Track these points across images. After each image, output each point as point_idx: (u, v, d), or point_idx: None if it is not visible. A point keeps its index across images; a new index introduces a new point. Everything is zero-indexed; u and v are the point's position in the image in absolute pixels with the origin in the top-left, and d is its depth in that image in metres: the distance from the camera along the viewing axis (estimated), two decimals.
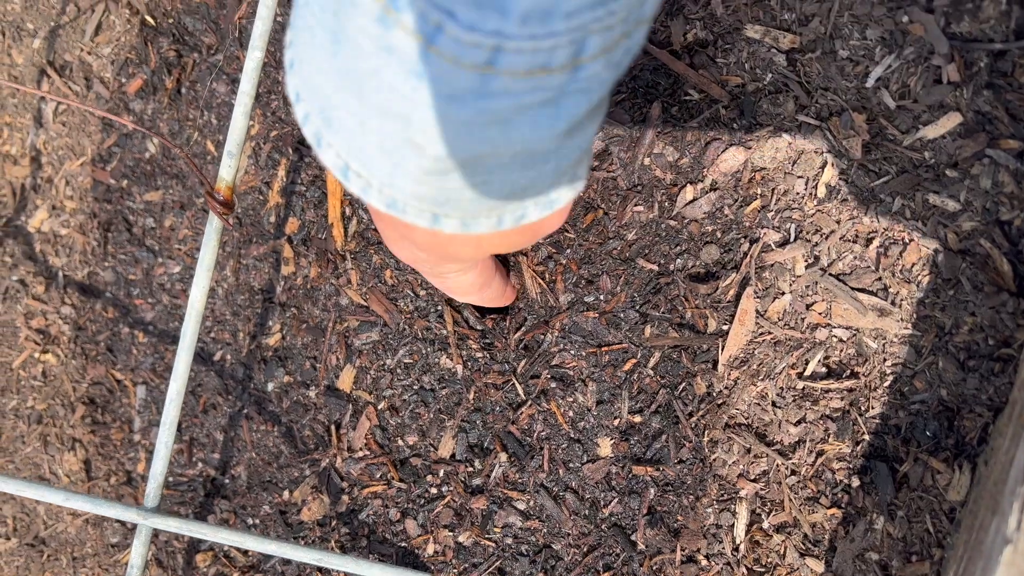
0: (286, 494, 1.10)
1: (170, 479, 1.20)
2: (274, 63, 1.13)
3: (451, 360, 1.01)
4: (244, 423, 1.14)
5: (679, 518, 0.89)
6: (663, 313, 0.89)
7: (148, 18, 1.22)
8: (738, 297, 0.85)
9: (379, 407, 1.04)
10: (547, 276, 0.94)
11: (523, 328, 0.97)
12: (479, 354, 1.00)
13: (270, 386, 1.13)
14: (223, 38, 1.18)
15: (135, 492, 1.23)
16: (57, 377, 1.27)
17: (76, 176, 1.28)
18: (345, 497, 1.04)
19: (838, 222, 0.82)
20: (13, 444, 1.28)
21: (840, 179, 0.82)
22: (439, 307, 1.03)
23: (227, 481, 1.16)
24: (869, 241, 0.82)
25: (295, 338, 1.12)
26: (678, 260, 0.88)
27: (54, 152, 1.29)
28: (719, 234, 0.86)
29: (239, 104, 0.87)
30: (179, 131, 1.21)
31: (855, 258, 0.82)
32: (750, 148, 0.84)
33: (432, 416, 1.01)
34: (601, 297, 0.90)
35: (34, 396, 1.27)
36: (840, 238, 0.82)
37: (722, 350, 0.86)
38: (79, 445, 1.26)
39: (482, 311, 1.06)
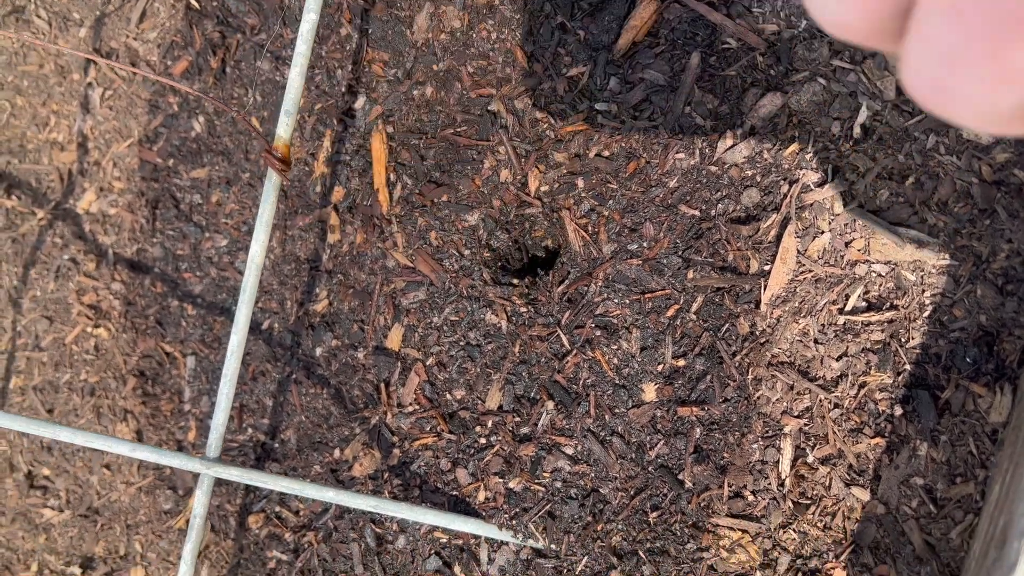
0: (336, 453, 1.13)
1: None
2: (317, 39, 1.18)
3: (496, 316, 1.04)
4: (293, 388, 1.18)
5: (725, 455, 0.92)
6: (705, 257, 0.92)
7: (193, 2, 1.27)
8: (779, 237, 0.88)
9: (427, 363, 1.07)
10: (590, 228, 0.98)
11: (567, 281, 1.00)
12: (523, 309, 1.03)
13: (318, 351, 1.17)
14: (266, 18, 1.22)
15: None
16: (109, 351, 1.31)
17: (123, 157, 1.32)
18: (396, 451, 1.07)
19: (874, 160, 0.85)
20: (67, 417, 1.31)
21: (875, 120, 0.85)
22: (481, 266, 1.06)
23: (277, 445, 1.19)
24: (904, 177, 0.85)
25: (342, 303, 1.15)
26: (719, 205, 0.91)
27: (101, 136, 1.34)
28: (759, 177, 0.89)
29: (295, 65, 0.91)
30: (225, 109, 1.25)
31: (891, 194, 0.85)
32: (787, 93, 0.87)
33: (479, 370, 1.04)
34: (644, 244, 0.94)
35: (87, 369, 1.31)
36: (876, 176, 0.85)
37: (764, 289, 0.89)
38: (131, 416, 1.29)
39: (524, 269, 1.10)
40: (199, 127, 1.27)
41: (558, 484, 0.98)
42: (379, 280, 1.11)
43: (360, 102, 1.14)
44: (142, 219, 1.30)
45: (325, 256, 1.18)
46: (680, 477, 0.93)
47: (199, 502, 0.96)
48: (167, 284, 1.28)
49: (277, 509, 1.18)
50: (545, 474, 0.99)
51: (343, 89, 1.15)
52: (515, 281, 1.05)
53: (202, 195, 1.26)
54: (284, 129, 0.90)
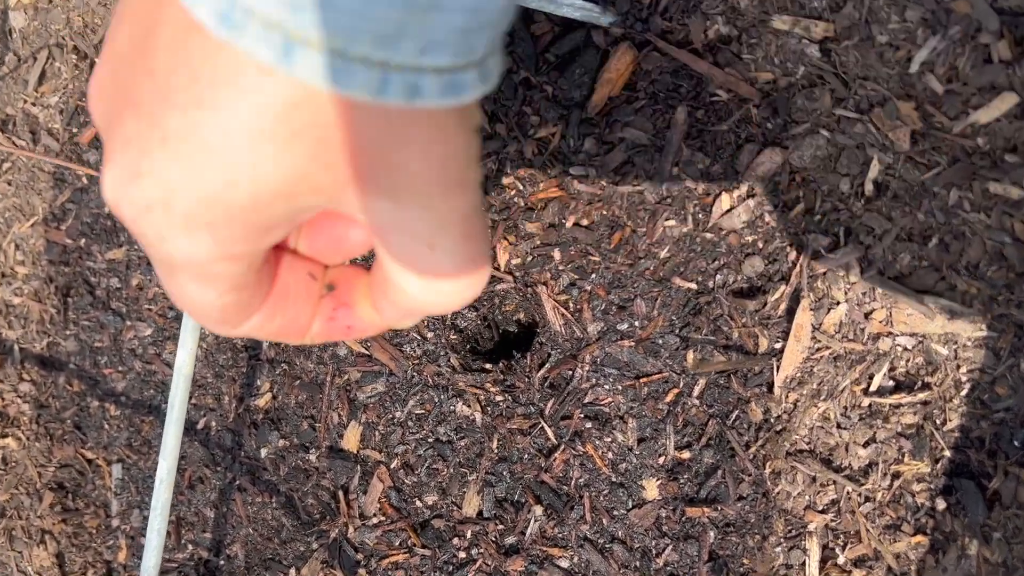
0: (292, 572, 0.98)
1: None
2: None
3: (468, 407, 0.91)
4: (237, 496, 1.03)
5: (745, 561, 0.80)
6: (706, 335, 0.81)
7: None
8: (790, 311, 0.78)
9: (391, 466, 0.94)
10: (572, 305, 0.86)
11: (547, 365, 0.88)
12: (499, 398, 0.90)
13: (263, 452, 1.02)
14: None
15: None
16: (20, 463, 1.14)
17: (27, 239, 1.16)
18: (362, 571, 0.93)
19: (891, 220, 0.75)
20: None
21: (887, 174, 0.75)
22: (447, 350, 0.93)
23: (223, 563, 1.04)
24: (927, 238, 0.75)
25: (288, 397, 1.01)
26: (718, 276, 0.79)
27: (0, 216, 1.17)
28: (761, 244, 0.78)
29: None
30: None
31: (913, 258, 0.75)
32: (787, 148, 0.77)
33: (452, 471, 0.91)
34: (636, 324, 0.82)
35: None
36: (895, 238, 0.75)
37: (777, 371, 0.78)
38: (49, 537, 1.12)
39: (486, 351, 0.97)
40: None
41: None
42: (330, 370, 0.98)
43: None
44: (52, 309, 1.13)
45: (266, 343, 1.04)
46: None
47: None
48: (85, 382, 1.12)
49: None
50: None
51: None
52: (488, 366, 0.93)
53: (120, 279, 1.11)
54: None
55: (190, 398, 1.07)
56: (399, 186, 0.27)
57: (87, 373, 1.12)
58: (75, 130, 1.13)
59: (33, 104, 1.16)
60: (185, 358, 0.78)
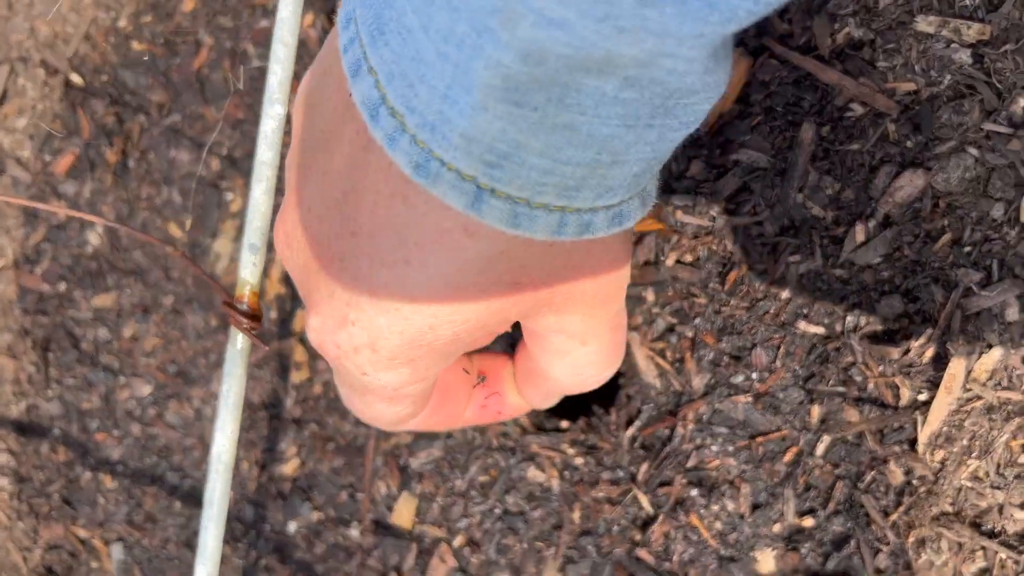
0: None
1: None
2: (252, 118, 0.89)
3: (542, 471, 0.79)
4: None
5: None
6: (833, 386, 0.70)
7: (74, 77, 0.96)
8: (937, 357, 0.67)
9: (454, 543, 0.81)
10: (670, 355, 0.74)
11: (638, 423, 0.76)
12: (579, 460, 0.78)
13: (292, 527, 0.88)
14: (178, 93, 0.93)
15: None
16: (0, 546, 0.97)
17: None
18: None
19: None
20: None
21: None
22: None
23: None
24: None
25: (320, 463, 0.87)
26: (848, 318, 0.68)
27: None
28: (899, 280, 0.67)
29: (259, 179, 0.63)
30: (130, 214, 0.95)
31: None
32: (930, 170, 0.66)
33: (526, 546, 0.79)
34: (754, 376, 0.70)
35: None
36: None
37: (923, 425, 0.67)
38: None
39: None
40: (97, 240, 0.96)
41: None
42: (373, 433, 0.84)
43: None
44: (29, 366, 0.97)
45: (289, 400, 0.90)
46: None
47: None
48: (73, 450, 0.96)
49: None
50: None
51: None
52: (563, 424, 0.80)
53: (110, 329, 0.95)
54: (249, 271, 0.62)
55: (199, 465, 0.93)
56: (569, 304, 0.32)
57: (75, 439, 0.96)
58: (48, 158, 0.97)
59: None
60: (225, 444, 0.64)
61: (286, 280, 0.89)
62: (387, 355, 0.28)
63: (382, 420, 0.34)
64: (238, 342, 0.64)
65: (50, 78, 0.98)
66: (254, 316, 0.64)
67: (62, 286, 0.97)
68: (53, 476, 0.97)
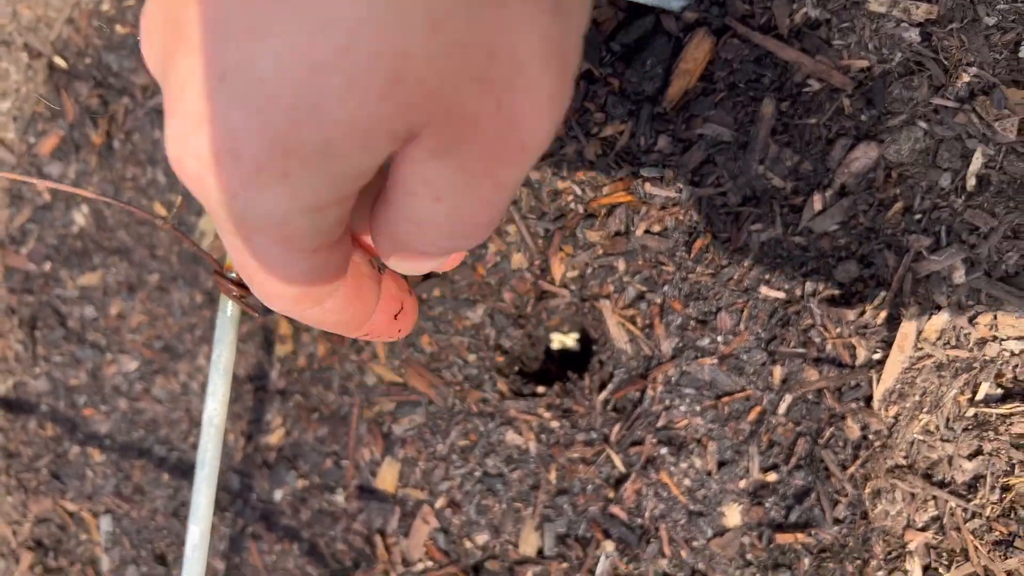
0: None
1: None
2: None
3: (520, 435, 0.82)
4: (251, 544, 0.91)
5: None
6: (794, 348, 0.73)
7: (58, 60, 0.97)
8: (891, 319, 0.71)
9: (436, 505, 0.83)
10: (640, 321, 0.77)
11: (611, 386, 0.79)
12: (555, 424, 0.81)
13: (279, 495, 0.90)
14: None
15: None
16: None
17: None
18: None
19: (995, 216, 0.69)
20: None
21: (989, 167, 0.69)
22: (492, 373, 0.83)
23: None
24: None
25: (305, 432, 0.89)
26: (808, 283, 0.72)
27: None
28: (855, 247, 0.71)
29: None
30: (116, 194, 0.96)
31: (1021, 256, 0.69)
32: (883, 142, 0.70)
33: (505, 507, 0.82)
34: (719, 339, 0.74)
35: None
36: (1001, 236, 0.69)
37: (877, 383, 0.71)
38: None
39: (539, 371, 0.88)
40: (82, 220, 0.97)
41: None
42: (356, 401, 0.87)
43: None
44: (16, 344, 0.99)
45: (274, 372, 0.92)
46: None
47: None
48: (61, 425, 0.98)
49: None
50: None
51: None
52: (540, 389, 0.83)
53: (96, 307, 0.97)
54: None
55: (186, 437, 0.95)
56: (453, 143, 0.23)
57: (63, 415, 0.97)
58: (32, 139, 0.98)
59: None
60: (216, 408, 0.66)
61: None
62: (252, 164, 0.22)
63: (281, 283, 0.26)
64: (228, 309, 0.66)
65: (33, 61, 0.99)
66: (243, 284, 0.66)
67: (48, 265, 0.98)
68: (41, 451, 0.98)
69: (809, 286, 0.72)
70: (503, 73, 0.23)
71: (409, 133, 0.23)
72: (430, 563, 0.83)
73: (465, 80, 0.22)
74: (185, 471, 0.95)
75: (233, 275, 0.65)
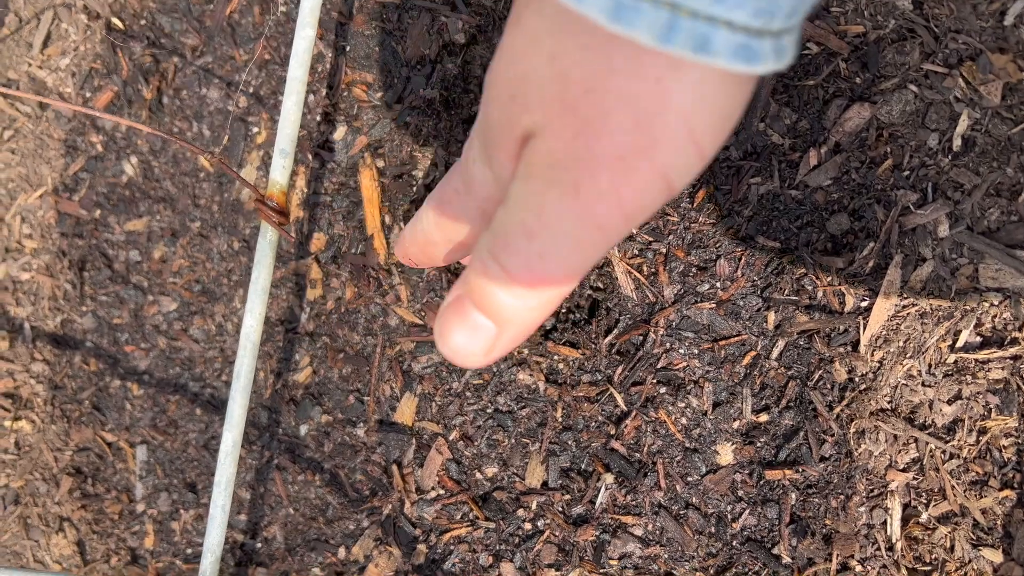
0: (342, 552, 0.92)
1: (187, 551, 1.01)
2: (278, 59, 0.97)
3: (530, 375, 0.87)
4: (276, 475, 0.97)
5: (827, 522, 0.78)
6: (788, 295, 0.78)
7: (115, 20, 1.04)
8: (878, 268, 0.75)
9: (450, 438, 0.89)
10: (645, 269, 0.82)
11: (616, 330, 0.84)
12: (562, 365, 0.86)
13: (304, 429, 0.96)
14: (210, 37, 1.01)
15: (143, 573, 1.03)
16: (34, 447, 1.05)
17: (34, 211, 1.07)
18: (421, 546, 0.88)
19: (979, 175, 0.74)
20: None
21: (975, 130, 0.74)
22: None
23: (260, 545, 0.98)
24: (1016, 194, 0.73)
25: (331, 371, 0.95)
26: (802, 234, 0.77)
27: (2, 187, 1.08)
28: (847, 201, 0.76)
29: (291, 93, 0.71)
30: (163, 147, 1.03)
31: (1002, 213, 0.73)
32: (875, 104, 0.75)
33: (514, 442, 0.87)
34: (718, 284, 0.79)
35: (8, 473, 1.05)
36: (984, 193, 0.74)
37: (864, 329, 0.76)
38: (68, 524, 1.04)
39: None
40: (131, 170, 1.04)
41: (629, 572, 0.82)
42: (379, 342, 0.92)
43: (340, 132, 0.94)
44: (66, 284, 1.05)
45: (304, 316, 0.98)
46: (775, 551, 0.79)
47: None
48: (104, 361, 1.04)
49: None
50: (612, 561, 0.82)
51: (317, 118, 0.95)
52: (550, 332, 0.89)
53: (141, 251, 1.03)
54: (280, 173, 0.70)
55: (219, 376, 1.01)
56: (574, 154, 0.31)
57: (106, 351, 1.04)
58: (89, 94, 1.05)
59: (40, 67, 1.07)
60: (253, 324, 0.72)
61: (305, 205, 0.97)
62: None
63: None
64: (267, 234, 0.72)
65: (91, 22, 1.06)
66: (282, 212, 0.72)
67: (97, 212, 1.05)
68: (84, 384, 1.04)
69: (803, 237, 0.77)
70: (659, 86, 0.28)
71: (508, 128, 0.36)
72: (442, 491, 0.88)
73: (601, 84, 0.29)
74: (217, 407, 1.01)
75: (273, 203, 0.71)
